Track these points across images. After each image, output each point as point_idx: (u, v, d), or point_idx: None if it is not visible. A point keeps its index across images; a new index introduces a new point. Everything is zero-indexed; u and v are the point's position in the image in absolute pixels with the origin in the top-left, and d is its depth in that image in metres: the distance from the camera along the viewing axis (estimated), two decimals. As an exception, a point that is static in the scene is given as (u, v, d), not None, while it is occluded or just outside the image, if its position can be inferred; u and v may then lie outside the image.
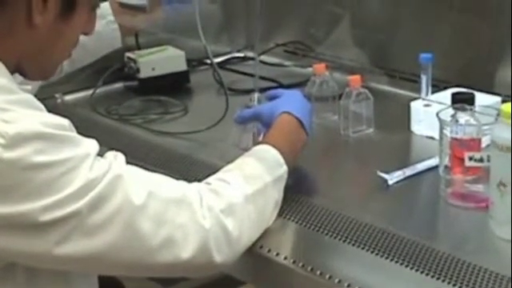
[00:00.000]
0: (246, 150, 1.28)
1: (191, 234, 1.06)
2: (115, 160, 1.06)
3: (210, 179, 1.17)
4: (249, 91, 1.54)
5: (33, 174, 0.96)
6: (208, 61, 2.07)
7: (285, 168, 1.23)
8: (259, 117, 1.38)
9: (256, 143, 1.29)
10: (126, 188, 1.02)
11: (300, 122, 1.31)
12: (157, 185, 1.07)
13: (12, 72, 1.08)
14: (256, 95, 1.48)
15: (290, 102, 1.35)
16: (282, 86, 1.88)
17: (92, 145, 1.04)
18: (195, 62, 2.04)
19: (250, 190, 1.16)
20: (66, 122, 1.02)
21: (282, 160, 1.23)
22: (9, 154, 0.95)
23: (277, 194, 1.21)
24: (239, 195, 1.14)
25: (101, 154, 1.05)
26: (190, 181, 1.15)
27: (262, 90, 1.52)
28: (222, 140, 1.50)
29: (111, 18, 1.76)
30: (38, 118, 0.98)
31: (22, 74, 1.14)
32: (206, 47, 1.52)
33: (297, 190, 1.31)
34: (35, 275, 1.05)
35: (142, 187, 1.04)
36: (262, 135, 1.37)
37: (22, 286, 1.05)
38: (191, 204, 1.08)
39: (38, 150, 0.96)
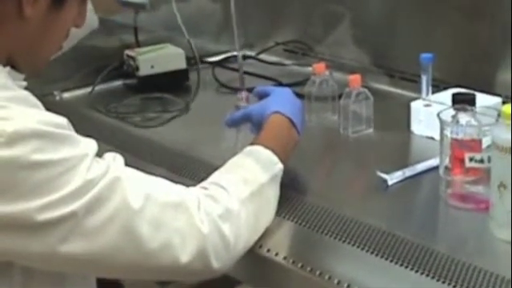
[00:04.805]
0: (239, 151, 1.26)
1: (189, 239, 1.05)
2: (114, 161, 1.05)
3: (205, 183, 1.15)
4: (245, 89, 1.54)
5: (30, 173, 0.94)
6: (208, 59, 2.07)
7: (280, 166, 1.21)
8: (249, 118, 1.36)
9: (248, 144, 1.27)
10: (123, 190, 1.01)
11: (291, 121, 1.29)
12: (155, 188, 1.06)
13: (3, 66, 1.07)
14: (244, 94, 1.47)
15: (280, 100, 1.32)
16: (281, 85, 1.87)
17: (91, 145, 1.02)
18: (194, 60, 2.04)
19: (247, 192, 1.15)
20: (64, 120, 1.01)
21: (276, 158, 1.21)
22: (7, 152, 0.93)
23: (273, 194, 1.20)
24: (236, 200, 1.12)
25: (99, 153, 1.04)
26: (188, 178, 1.14)
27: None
28: (220, 138, 1.49)
29: None
30: (36, 116, 0.97)
31: (13, 67, 1.12)
32: (189, 41, 1.51)
33: (296, 190, 1.31)
34: (32, 276, 1.04)
35: (140, 190, 1.03)
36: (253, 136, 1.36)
37: (19, 287, 1.04)
38: (189, 208, 1.06)
39: (37, 148, 0.95)
